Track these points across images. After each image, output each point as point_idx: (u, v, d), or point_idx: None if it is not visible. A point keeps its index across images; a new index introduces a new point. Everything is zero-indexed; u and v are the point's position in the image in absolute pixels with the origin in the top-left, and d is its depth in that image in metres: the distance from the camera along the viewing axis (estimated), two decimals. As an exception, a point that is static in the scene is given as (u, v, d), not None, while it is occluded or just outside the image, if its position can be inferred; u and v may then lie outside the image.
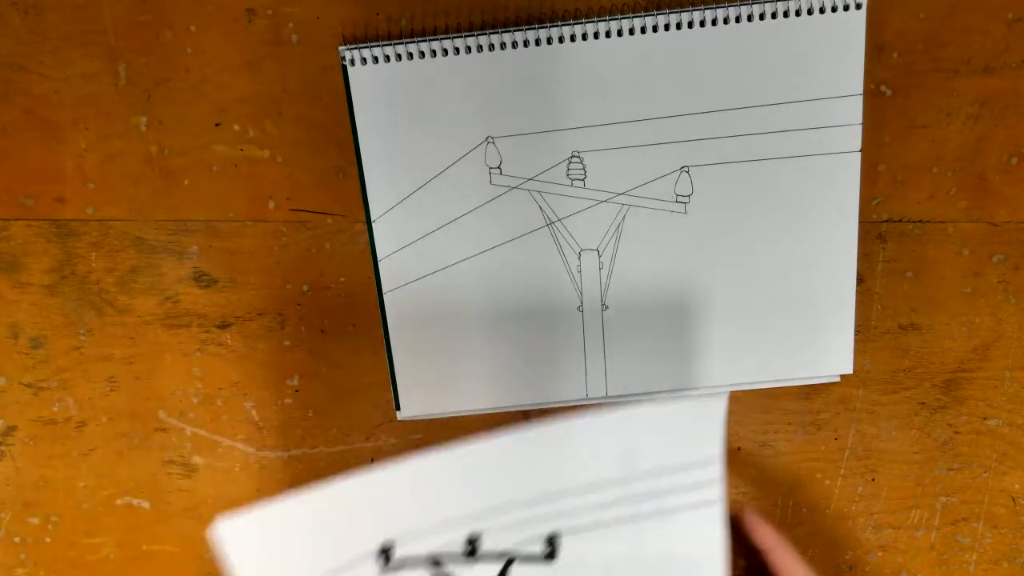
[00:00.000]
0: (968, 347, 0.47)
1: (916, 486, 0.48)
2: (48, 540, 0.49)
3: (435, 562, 0.42)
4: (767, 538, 0.42)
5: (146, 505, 0.48)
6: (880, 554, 0.49)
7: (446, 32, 0.43)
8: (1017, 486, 0.48)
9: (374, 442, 0.48)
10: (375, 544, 0.42)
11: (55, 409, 0.47)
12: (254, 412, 0.47)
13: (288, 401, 0.47)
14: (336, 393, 0.47)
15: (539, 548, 0.43)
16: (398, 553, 0.42)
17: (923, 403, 0.47)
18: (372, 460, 0.48)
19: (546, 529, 0.43)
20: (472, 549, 0.42)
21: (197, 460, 0.48)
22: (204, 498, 0.48)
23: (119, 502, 0.48)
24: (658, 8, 0.42)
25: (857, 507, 0.48)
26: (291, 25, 0.43)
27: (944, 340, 0.46)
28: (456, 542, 0.42)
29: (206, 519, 0.48)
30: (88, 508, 0.48)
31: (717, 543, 0.42)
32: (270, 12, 0.43)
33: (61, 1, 0.43)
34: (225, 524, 0.40)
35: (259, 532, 0.41)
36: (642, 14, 0.41)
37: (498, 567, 0.43)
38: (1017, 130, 0.44)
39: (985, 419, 0.47)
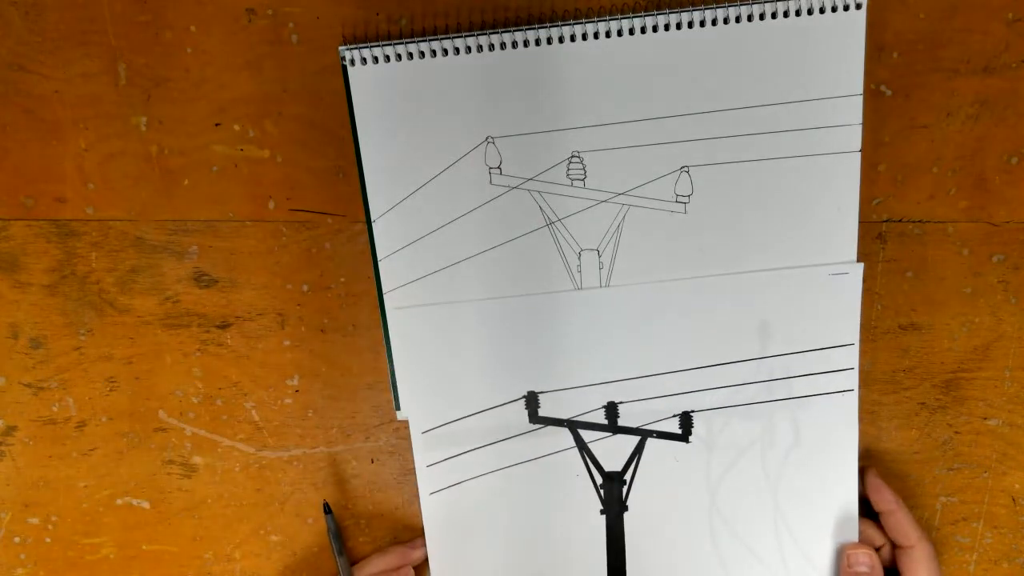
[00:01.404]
0: (968, 347, 0.47)
1: (916, 486, 0.48)
2: (48, 540, 0.49)
3: (575, 428, 0.44)
4: (886, 500, 0.44)
5: (146, 505, 0.48)
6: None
7: (446, 32, 0.43)
8: (1017, 486, 0.48)
9: (374, 442, 0.48)
10: (522, 389, 0.44)
11: (55, 409, 0.47)
12: (254, 412, 0.47)
13: (288, 401, 0.47)
14: (336, 393, 0.47)
15: (673, 426, 0.44)
16: (543, 409, 0.44)
17: (923, 403, 0.47)
18: (372, 460, 0.48)
19: (681, 407, 0.44)
20: (610, 420, 0.44)
21: (197, 460, 0.48)
22: (204, 498, 0.48)
23: (119, 502, 0.48)
24: (658, 8, 0.42)
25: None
26: (291, 25, 0.43)
27: (944, 340, 0.46)
28: (595, 410, 0.44)
29: (206, 519, 0.48)
30: (88, 508, 0.48)
31: (851, 432, 0.43)
32: (270, 12, 0.43)
33: (61, 1, 0.43)
34: (395, 314, 0.44)
35: (428, 330, 0.44)
36: (642, 14, 0.41)
37: (633, 442, 0.44)
38: (1017, 130, 0.44)
39: (985, 419, 0.47)
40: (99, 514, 0.48)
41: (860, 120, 0.43)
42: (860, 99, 0.42)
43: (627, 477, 0.44)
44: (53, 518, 0.49)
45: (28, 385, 0.47)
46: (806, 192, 0.43)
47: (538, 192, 0.44)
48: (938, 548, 0.49)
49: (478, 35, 0.42)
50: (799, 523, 0.45)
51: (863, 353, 0.46)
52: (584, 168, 0.43)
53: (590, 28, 0.41)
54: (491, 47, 0.42)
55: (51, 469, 0.48)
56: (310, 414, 0.47)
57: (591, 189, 0.44)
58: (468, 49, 0.42)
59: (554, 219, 0.44)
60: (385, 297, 0.45)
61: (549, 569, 0.46)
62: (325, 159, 0.45)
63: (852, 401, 0.43)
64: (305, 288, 0.46)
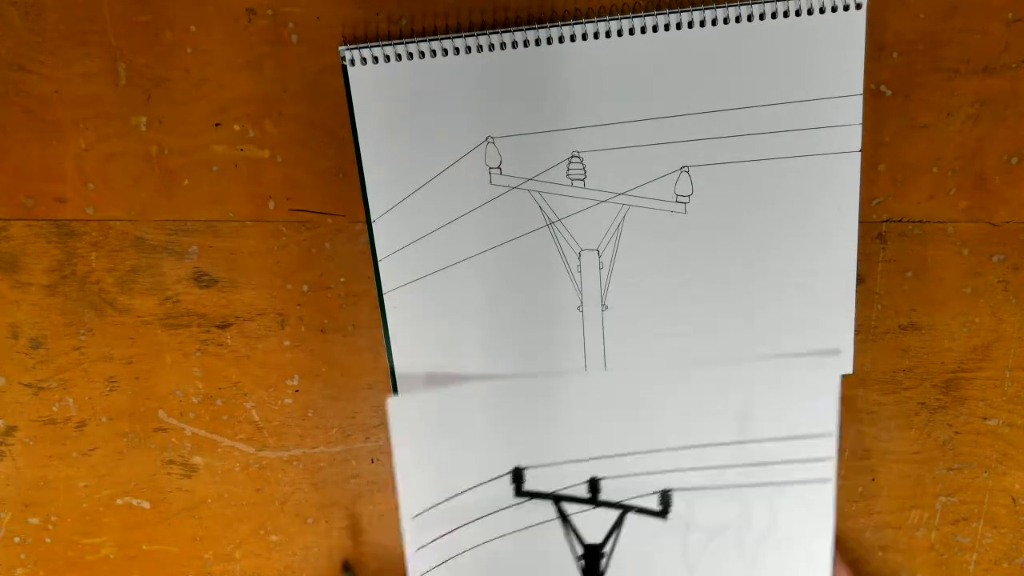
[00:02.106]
0: (968, 347, 0.47)
1: (916, 486, 0.48)
2: (48, 540, 0.49)
3: (558, 500, 0.44)
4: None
5: (146, 505, 0.48)
6: (880, 554, 0.49)
7: (446, 32, 0.43)
8: (1017, 486, 0.48)
9: (374, 442, 0.48)
10: (510, 465, 0.44)
11: (55, 409, 0.47)
12: (254, 412, 0.47)
13: (288, 401, 0.47)
14: (336, 393, 0.47)
15: (653, 503, 0.45)
16: (527, 484, 0.44)
17: (923, 403, 0.47)
18: (372, 460, 0.48)
19: (661, 484, 0.44)
20: (593, 494, 0.44)
21: (197, 460, 0.48)
22: (204, 498, 0.48)
23: (119, 502, 0.48)
24: (658, 8, 0.42)
25: (857, 507, 0.48)
26: (291, 25, 0.43)
27: (944, 340, 0.46)
28: (578, 485, 0.45)
29: (206, 519, 0.48)
30: (88, 508, 0.48)
31: (827, 521, 0.44)
32: (270, 12, 0.43)
33: (61, 1, 0.43)
34: (396, 400, 0.43)
35: (428, 417, 0.44)
36: (642, 14, 0.41)
37: (614, 516, 0.44)
38: (1017, 130, 0.44)
39: (985, 419, 0.47)
40: (99, 514, 0.48)
41: (860, 120, 0.43)
42: (860, 99, 0.42)
43: (606, 550, 0.45)
44: (53, 518, 0.49)
45: (28, 385, 0.47)
46: (806, 192, 0.43)
47: (538, 192, 0.44)
48: (938, 548, 0.49)
49: (478, 35, 0.42)
50: None
51: (863, 353, 0.46)
52: (584, 168, 0.43)
53: (590, 28, 0.41)
54: (491, 47, 0.42)
55: (51, 469, 0.48)
56: (310, 414, 0.47)
57: (591, 189, 0.44)
58: (468, 49, 0.42)
59: (554, 219, 0.44)
60: (385, 297, 0.45)
61: None
62: (325, 159, 0.45)
63: (829, 490, 0.44)
64: (305, 288, 0.46)
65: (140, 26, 0.43)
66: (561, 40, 0.42)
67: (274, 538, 0.49)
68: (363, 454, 0.48)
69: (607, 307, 0.45)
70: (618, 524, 0.44)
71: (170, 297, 0.46)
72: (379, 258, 0.44)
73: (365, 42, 0.42)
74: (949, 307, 0.46)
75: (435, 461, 0.44)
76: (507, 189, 0.44)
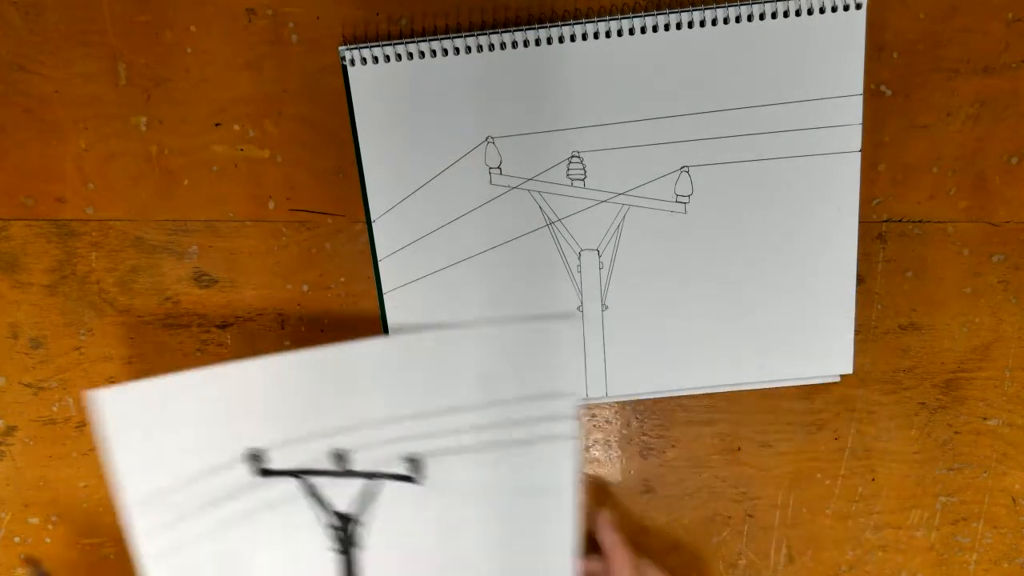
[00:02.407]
0: (968, 347, 0.47)
1: (916, 486, 0.48)
2: (48, 540, 0.49)
3: (303, 476, 0.43)
4: (607, 538, 0.46)
5: (146, 505, 0.48)
6: (880, 554, 0.49)
7: (446, 32, 0.43)
8: (1017, 486, 0.48)
9: (374, 442, 0.48)
10: (244, 448, 0.43)
11: (55, 409, 0.47)
12: (254, 412, 0.47)
13: (288, 401, 0.47)
14: (336, 393, 0.47)
15: (404, 469, 0.44)
16: (267, 463, 0.43)
17: (923, 403, 0.47)
18: (372, 460, 0.48)
19: (411, 450, 0.44)
20: (339, 465, 0.43)
21: (197, 460, 0.48)
22: (204, 498, 0.48)
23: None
24: (658, 8, 0.42)
25: (857, 507, 0.48)
26: (291, 25, 0.43)
27: (944, 340, 0.46)
28: (322, 457, 0.43)
29: (206, 519, 0.48)
30: (88, 508, 0.48)
31: (569, 477, 0.44)
32: (270, 12, 0.43)
33: (61, 1, 0.43)
34: (103, 394, 0.41)
35: (138, 409, 0.42)
36: (642, 14, 0.41)
37: (364, 484, 0.44)
38: (1017, 130, 0.44)
39: (985, 419, 0.47)
40: (99, 514, 0.48)
41: (860, 120, 0.42)
42: (860, 99, 0.42)
43: (362, 519, 0.44)
44: (53, 518, 0.49)
45: (28, 385, 0.47)
46: (806, 192, 0.43)
47: (538, 192, 0.44)
48: (938, 548, 0.49)
49: (478, 35, 0.42)
50: (527, 566, 0.45)
51: (863, 353, 0.46)
52: (584, 168, 0.43)
53: (590, 28, 0.41)
54: (491, 47, 0.42)
55: (51, 469, 0.48)
56: (310, 414, 0.47)
57: (591, 189, 0.44)
58: (468, 49, 0.42)
59: (554, 219, 0.44)
60: (385, 297, 0.45)
61: None
62: (325, 159, 0.45)
63: (572, 450, 0.44)
64: (305, 288, 0.46)
65: (140, 26, 0.43)
66: (561, 40, 0.42)
67: (274, 538, 0.48)
68: (363, 454, 0.48)
69: (607, 307, 0.45)
70: (371, 493, 0.44)
71: (170, 297, 0.46)
72: (379, 258, 0.44)
73: (365, 42, 0.42)
74: (949, 307, 0.46)
75: (162, 447, 0.42)
76: (507, 189, 0.44)
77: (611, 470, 0.48)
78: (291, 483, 0.44)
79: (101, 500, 0.48)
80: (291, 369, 0.43)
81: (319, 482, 0.44)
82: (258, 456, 0.43)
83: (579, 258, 0.45)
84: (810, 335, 0.45)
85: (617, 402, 0.47)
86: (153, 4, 0.43)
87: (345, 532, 0.44)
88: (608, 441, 0.48)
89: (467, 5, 0.43)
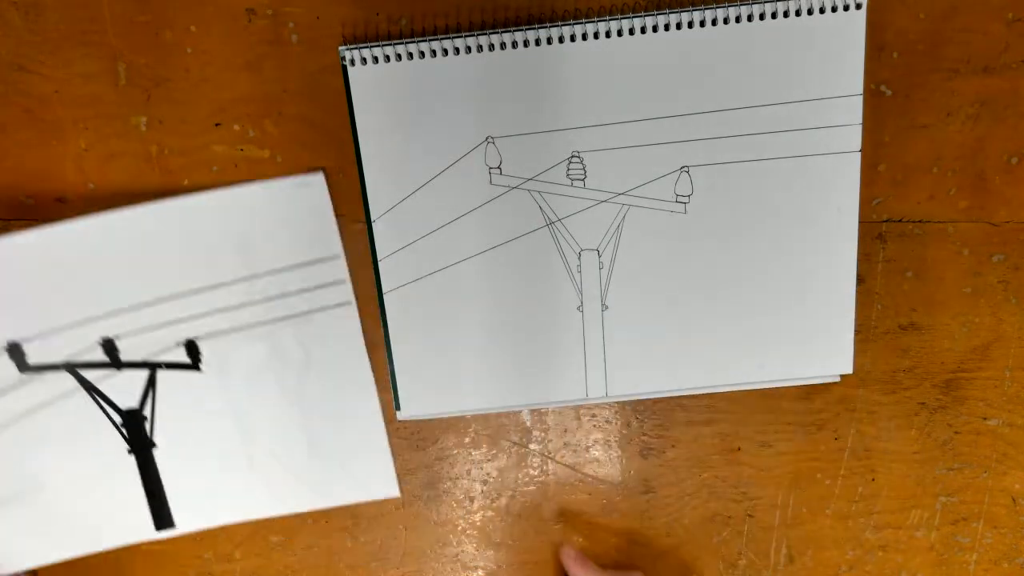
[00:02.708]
0: (968, 347, 0.47)
1: (916, 486, 0.48)
2: (48, 540, 0.49)
3: (74, 369, 0.42)
4: (577, 571, 0.46)
5: (146, 505, 0.48)
6: (880, 554, 0.49)
7: (446, 32, 0.43)
8: (1017, 486, 0.48)
9: (374, 442, 0.48)
10: (4, 341, 0.41)
11: (55, 409, 0.47)
12: (254, 412, 0.47)
13: (288, 401, 0.47)
14: (336, 393, 0.47)
15: (180, 355, 0.43)
16: (33, 356, 0.42)
17: (923, 403, 0.47)
18: (372, 460, 0.48)
19: (184, 335, 0.43)
20: (111, 355, 0.42)
21: (197, 460, 0.48)
22: (204, 498, 0.48)
23: (119, 502, 0.48)
24: (658, 8, 0.42)
25: (857, 507, 0.48)
26: (291, 25, 0.43)
27: (944, 340, 0.46)
28: (93, 348, 0.42)
29: (206, 519, 0.48)
30: (88, 508, 0.48)
31: (358, 344, 0.44)
32: (270, 12, 0.43)
33: (61, 1, 0.43)
34: None
35: None
36: (642, 14, 0.41)
37: (143, 376, 0.42)
38: (1017, 130, 0.44)
39: (985, 419, 0.47)
40: (99, 514, 0.48)
41: (860, 120, 0.42)
42: (860, 99, 0.42)
43: (146, 413, 0.43)
44: (53, 518, 0.48)
45: (28, 385, 0.47)
46: (806, 192, 0.43)
47: (538, 192, 0.44)
48: (938, 548, 0.49)
49: (478, 35, 0.42)
50: (330, 439, 0.45)
51: (863, 353, 0.46)
52: (584, 168, 0.43)
53: (590, 28, 0.41)
54: (491, 47, 0.42)
55: (51, 469, 0.48)
56: (310, 414, 0.47)
57: (591, 189, 0.44)
58: (468, 49, 0.42)
59: (554, 219, 0.44)
60: (385, 297, 0.45)
61: (91, 515, 0.45)
62: (325, 159, 0.45)
63: (352, 314, 0.43)
64: (305, 288, 0.46)
65: (140, 26, 0.43)
66: (561, 40, 0.42)
67: (274, 538, 0.49)
68: (363, 454, 0.48)
69: (607, 307, 0.45)
70: (151, 384, 0.42)
71: (170, 297, 0.46)
72: (379, 258, 0.44)
73: (365, 42, 0.42)
74: (949, 307, 0.46)
75: None
76: (507, 189, 0.44)
77: (611, 470, 0.48)
78: (67, 380, 0.42)
79: (101, 500, 0.48)
80: (35, 248, 0.41)
81: (94, 376, 0.42)
82: (18, 348, 0.41)
83: (579, 258, 0.45)
84: (810, 335, 0.45)
85: (617, 402, 0.47)
86: (153, 4, 0.43)
87: (133, 430, 0.43)
88: (608, 441, 0.48)
89: (467, 5, 0.43)
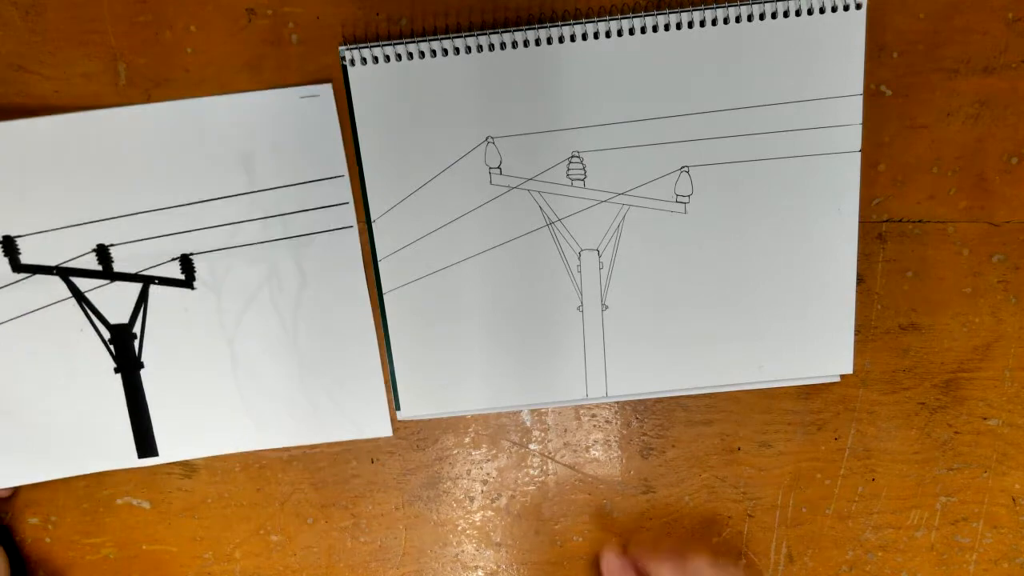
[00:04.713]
0: (968, 347, 0.47)
1: (916, 486, 0.48)
2: (48, 540, 0.49)
3: (67, 274, 0.41)
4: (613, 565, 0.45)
5: (146, 505, 0.48)
6: (880, 554, 0.49)
7: (446, 32, 0.43)
8: (1017, 486, 0.48)
9: (374, 442, 0.48)
10: None
11: (55, 409, 0.47)
12: (254, 412, 0.47)
13: (288, 401, 0.47)
14: (336, 393, 0.47)
15: (174, 271, 0.42)
16: (26, 256, 0.40)
17: (923, 403, 0.47)
18: (372, 461, 0.48)
19: (179, 250, 0.42)
20: (104, 264, 0.41)
21: (197, 460, 0.48)
22: (204, 498, 0.48)
23: (119, 502, 0.48)
24: (658, 8, 0.42)
25: (857, 507, 0.48)
26: (291, 25, 0.43)
27: (944, 340, 0.46)
28: (86, 254, 0.41)
29: (206, 519, 0.48)
30: (88, 508, 0.48)
31: (357, 268, 0.43)
32: (270, 12, 0.43)
33: (61, 1, 0.43)
34: None
35: None
36: (642, 14, 0.41)
37: (135, 290, 0.41)
38: (1017, 130, 0.44)
39: (985, 419, 0.47)
40: (99, 514, 0.48)
41: (860, 120, 0.42)
42: (860, 99, 0.42)
43: (136, 330, 0.42)
44: (53, 518, 0.49)
45: (28, 385, 0.47)
46: (806, 192, 0.43)
47: (538, 192, 0.44)
48: (938, 548, 0.49)
49: (478, 35, 0.42)
50: (324, 370, 0.44)
51: (863, 353, 0.46)
52: (584, 168, 0.43)
53: (590, 28, 0.41)
54: (491, 47, 0.42)
55: (51, 469, 0.48)
56: (310, 414, 0.47)
57: (591, 189, 0.44)
58: (468, 49, 0.42)
59: (554, 219, 0.44)
60: (385, 297, 0.45)
61: (72, 434, 0.44)
62: (325, 159, 0.45)
63: (353, 238, 0.43)
64: (305, 288, 0.46)
65: (140, 26, 0.43)
66: (561, 40, 0.42)
67: (274, 538, 0.49)
68: (363, 454, 0.48)
69: (607, 307, 0.45)
70: (143, 298, 0.41)
71: (170, 297, 0.46)
72: (379, 258, 0.44)
73: (365, 42, 0.42)
74: (949, 307, 0.46)
75: None
76: (507, 189, 0.44)
77: (611, 470, 0.48)
78: (58, 286, 0.41)
79: (101, 500, 0.48)
80: (32, 140, 0.40)
81: (85, 285, 0.41)
82: (12, 244, 0.40)
83: (579, 258, 0.45)
84: (810, 335, 0.45)
85: (617, 402, 0.47)
86: (153, 4, 0.43)
87: (122, 347, 0.42)
88: (608, 441, 0.48)
89: (467, 5, 0.43)
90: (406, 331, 0.45)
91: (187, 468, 0.48)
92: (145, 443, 0.45)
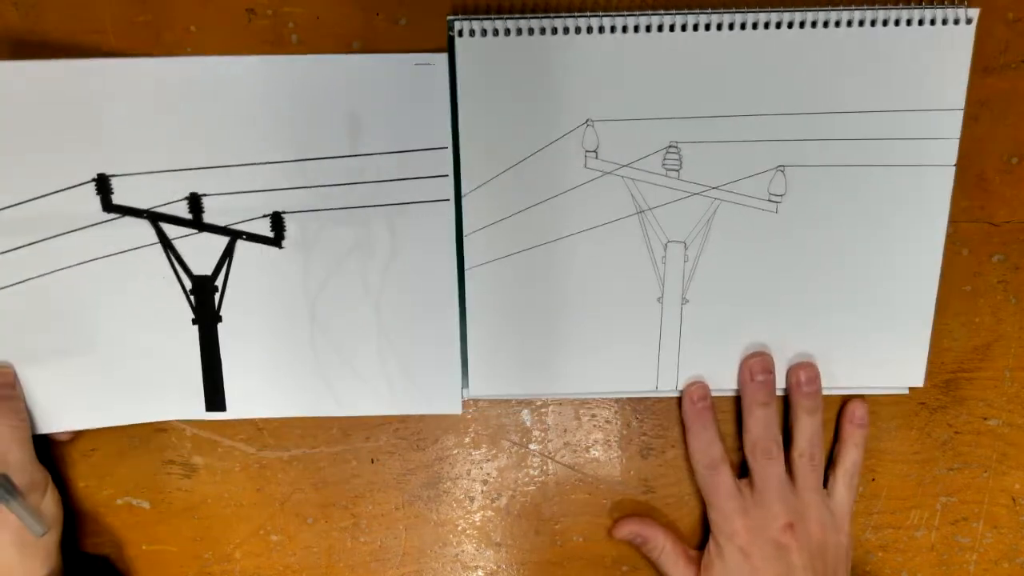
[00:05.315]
0: (968, 347, 0.47)
1: (916, 486, 0.48)
2: (48, 540, 0.49)
3: (156, 219, 0.40)
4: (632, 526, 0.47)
5: (146, 505, 0.48)
6: (880, 554, 0.49)
7: (557, 11, 0.42)
8: (1017, 486, 0.48)
9: (374, 442, 0.48)
10: (95, 171, 0.40)
11: (55, 409, 0.47)
12: (254, 412, 0.47)
13: (288, 401, 0.47)
14: (336, 393, 0.47)
15: (264, 228, 0.41)
16: (118, 196, 0.40)
17: (923, 403, 0.47)
18: (372, 461, 0.48)
19: (271, 207, 0.41)
20: (195, 213, 0.40)
21: (197, 460, 0.48)
22: (204, 498, 0.48)
23: (119, 502, 0.48)
24: (771, 5, 0.42)
25: (857, 507, 0.48)
26: (291, 25, 0.43)
27: (944, 340, 0.46)
28: (178, 201, 0.40)
29: (206, 519, 0.48)
30: (88, 508, 0.48)
31: (449, 245, 0.43)
32: (270, 12, 0.43)
33: (61, 1, 0.43)
34: None
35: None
36: (756, 10, 0.41)
37: (222, 244, 0.41)
38: (1017, 130, 0.44)
39: (985, 419, 0.47)
40: (99, 514, 0.48)
41: (959, 134, 0.42)
42: (961, 113, 0.42)
43: (218, 283, 0.41)
44: (53, 518, 0.48)
45: (28, 385, 0.47)
46: (897, 202, 0.43)
47: (631, 179, 0.43)
48: (938, 548, 0.49)
49: (590, 16, 0.41)
50: (402, 341, 0.44)
51: (863, 353, 0.46)
52: (680, 159, 0.43)
53: (702, 19, 0.41)
54: (600, 30, 0.41)
55: (51, 469, 0.48)
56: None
57: (685, 181, 0.43)
58: (578, 30, 0.41)
59: (644, 208, 0.43)
60: (467, 273, 0.44)
61: (143, 381, 0.43)
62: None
63: (449, 212, 0.42)
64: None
65: (140, 26, 0.43)
66: (672, 29, 0.41)
67: (274, 538, 0.49)
68: (363, 454, 0.48)
69: (687, 301, 0.45)
70: (228, 253, 0.41)
71: (170, 297, 0.46)
72: (465, 234, 0.44)
73: (475, 14, 0.42)
74: (949, 307, 0.46)
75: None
76: (601, 174, 0.43)
77: (611, 470, 0.48)
78: (146, 231, 0.41)
79: (101, 500, 0.48)
80: (138, 80, 0.39)
81: (174, 233, 0.41)
82: (106, 183, 0.40)
83: (665, 249, 0.44)
84: (885, 346, 0.45)
85: (617, 402, 0.47)
86: (153, 4, 0.43)
87: (202, 298, 0.41)
88: (608, 441, 0.48)
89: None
90: (484, 309, 0.45)
91: (187, 468, 0.48)
92: (215, 397, 0.44)
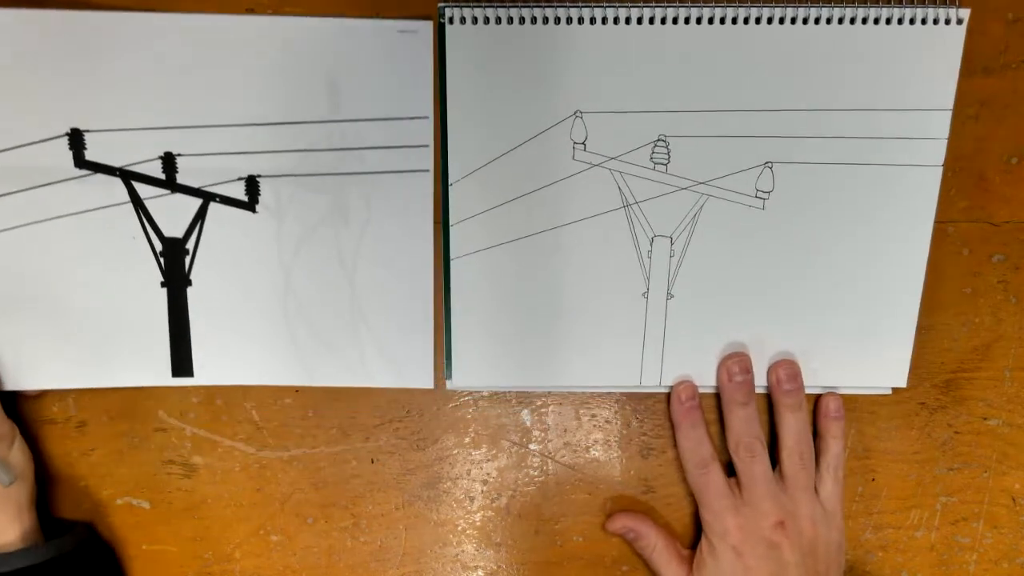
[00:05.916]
0: (968, 347, 0.47)
1: (916, 486, 0.48)
2: (48, 540, 0.49)
3: (128, 177, 0.39)
4: (626, 522, 0.47)
5: (146, 505, 0.48)
6: (880, 554, 0.49)
7: (548, 0, 0.42)
8: (1017, 486, 0.48)
9: (374, 442, 0.48)
10: (66, 125, 0.39)
11: (55, 409, 0.47)
12: (254, 412, 0.47)
13: (288, 401, 0.47)
14: (336, 393, 0.47)
15: (238, 191, 0.41)
16: (91, 152, 0.39)
17: (923, 403, 0.47)
18: (372, 461, 0.48)
19: (246, 170, 0.41)
20: (168, 173, 0.39)
21: (197, 460, 0.48)
22: (204, 498, 0.48)
23: (119, 502, 0.48)
24: (763, 1, 0.41)
25: (857, 507, 0.48)
26: (291, 25, 0.43)
27: (944, 340, 0.46)
28: (151, 160, 0.40)
29: (206, 519, 0.48)
30: (88, 508, 0.48)
31: (426, 218, 0.42)
32: (270, 12, 0.43)
33: (61, 1, 0.43)
34: None
35: None
36: (747, 5, 0.41)
37: (194, 206, 0.40)
38: (1017, 130, 0.44)
39: (985, 419, 0.47)
40: (99, 514, 0.48)
41: (947, 135, 0.42)
42: (949, 114, 0.42)
43: (189, 246, 0.40)
44: (53, 518, 0.49)
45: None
46: (885, 201, 0.43)
47: (619, 172, 0.43)
48: (938, 548, 0.49)
49: (582, 7, 0.41)
50: (375, 313, 0.43)
51: (863, 353, 0.46)
52: (668, 153, 0.43)
53: (694, 12, 0.41)
54: (592, 20, 0.41)
55: (51, 469, 0.48)
56: (310, 414, 0.47)
57: (672, 175, 0.43)
58: (569, 20, 0.41)
59: (632, 201, 0.43)
60: (452, 263, 0.44)
61: (110, 343, 0.43)
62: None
63: (427, 183, 0.41)
64: (305, 288, 0.46)
65: (140, 26, 0.43)
66: (663, 21, 0.41)
67: (274, 538, 0.49)
68: (363, 454, 0.48)
69: (672, 296, 0.45)
70: (201, 215, 0.40)
71: (170, 297, 0.46)
72: (451, 223, 0.43)
73: (466, 2, 0.42)
74: (949, 307, 0.46)
75: None
76: (588, 166, 0.43)
77: (611, 470, 0.48)
78: (118, 189, 0.40)
79: (101, 500, 0.48)
80: (111, 32, 0.39)
81: (146, 193, 0.40)
82: (79, 137, 0.39)
83: (651, 243, 0.44)
84: (869, 346, 0.45)
85: (617, 402, 0.47)
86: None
87: (172, 261, 0.41)
88: (608, 441, 0.48)
89: None
90: (468, 299, 0.45)
91: (187, 468, 0.48)
92: (182, 363, 0.44)
